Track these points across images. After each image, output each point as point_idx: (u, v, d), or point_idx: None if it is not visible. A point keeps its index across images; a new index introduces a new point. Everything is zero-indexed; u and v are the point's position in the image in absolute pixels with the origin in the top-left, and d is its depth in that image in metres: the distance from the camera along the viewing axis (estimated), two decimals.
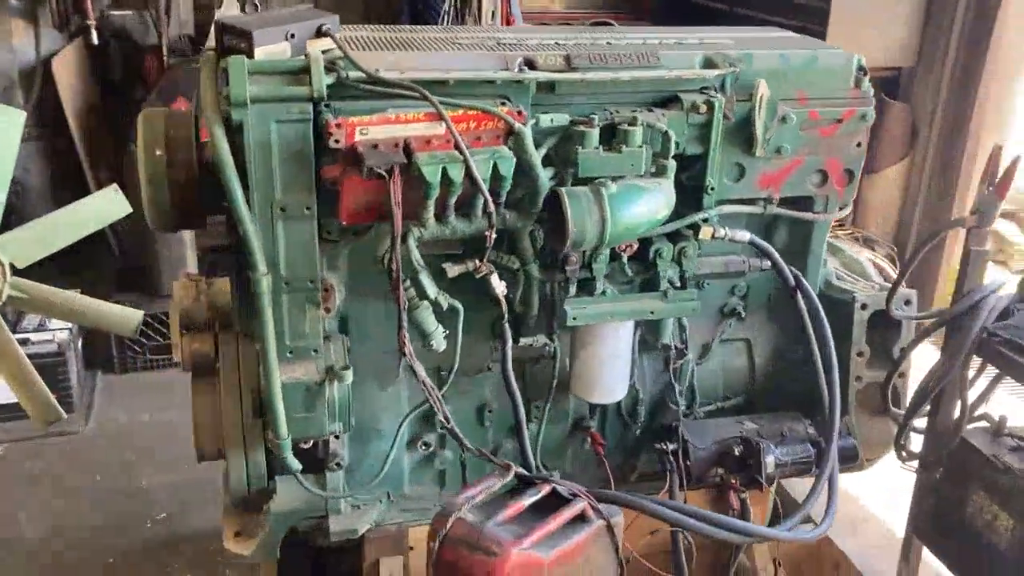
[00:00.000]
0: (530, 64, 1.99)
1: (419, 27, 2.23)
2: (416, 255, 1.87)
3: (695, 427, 2.36)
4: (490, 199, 1.82)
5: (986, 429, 2.25)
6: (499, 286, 1.92)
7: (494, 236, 1.86)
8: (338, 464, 2.17)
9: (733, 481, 2.30)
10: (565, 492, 1.80)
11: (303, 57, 1.84)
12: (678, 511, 1.92)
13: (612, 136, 1.98)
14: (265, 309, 1.87)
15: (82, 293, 3.66)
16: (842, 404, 2.37)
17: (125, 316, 3.53)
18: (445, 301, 1.92)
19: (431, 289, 1.89)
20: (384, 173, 1.76)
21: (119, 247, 4.40)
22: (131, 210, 3.50)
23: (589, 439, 2.37)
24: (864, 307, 2.37)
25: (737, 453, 2.30)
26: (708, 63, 2.12)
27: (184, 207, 2.04)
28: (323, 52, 1.86)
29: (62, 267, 3.52)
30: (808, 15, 4.35)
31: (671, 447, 2.32)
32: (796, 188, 2.27)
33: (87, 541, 3.20)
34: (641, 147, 1.96)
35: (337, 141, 1.76)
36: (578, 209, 1.83)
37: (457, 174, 1.79)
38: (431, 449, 2.30)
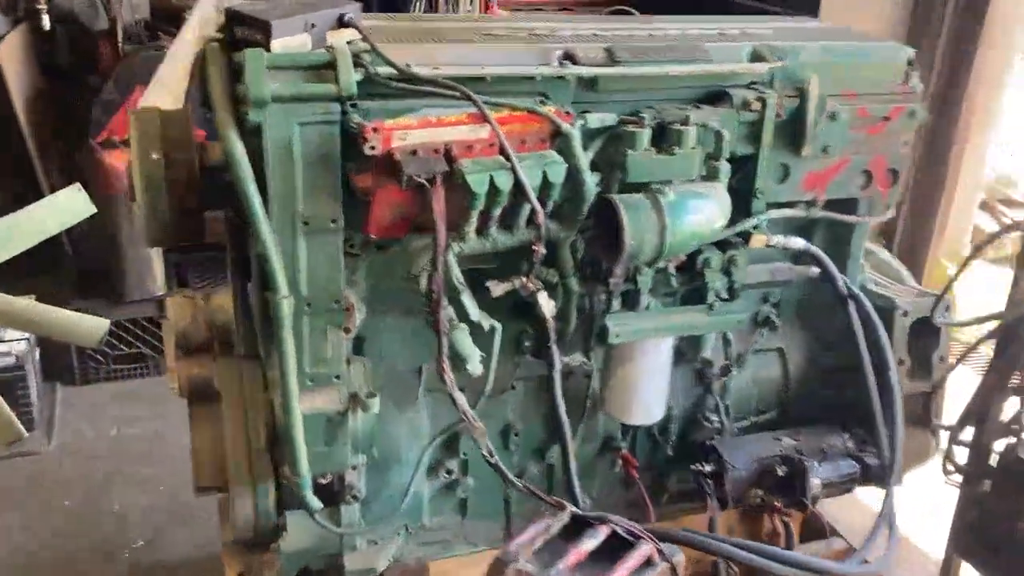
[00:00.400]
0: (570, 58, 1.81)
1: (441, 16, 2.04)
2: (457, 272, 1.68)
3: (731, 445, 2.21)
4: (540, 210, 1.64)
5: None
6: (547, 305, 1.74)
7: (543, 251, 1.68)
8: (354, 497, 1.98)
9: (776, 504, 2.16)
10: (624, 532, 1.64)
11: (325, 50, 1.63)
12: (743, 548, 1.77)
13: (661, 137, 1.81)
14: (286, 335, 1.67)
15: (37, 300, 3.39)
16: (884, 416, 2.26)
17: (90, 326, 3.27)
18: (487, 322, 1.74)
19: (473, 311, 1.70)
20: (425, 182, 1.57)
21: (74, 249, 4.09)
22: (95, 211, 3.24)
23: (620, 460, 2.21)
24: (906, 314, 2.25)
25: (780, 473, 2.16)
26: (756, 56, 1.96)
27: (185, 216, 1.82)
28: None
29: (13, 272, 3.24)
30: (798, 2, 4.23)
31: (708, 468, 2.18)
32: (840, 189, 2.13)
33: (58, 574, 2.95)
34: (695, 149, 1.80)
35: (373, 147, 1.56)
36: (635, 219, 1.66)
37: (505, 183, 1.60)
38: (453, 476, 2.11)
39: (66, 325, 3.24)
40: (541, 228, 1.65)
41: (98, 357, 3.88)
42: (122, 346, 3.89)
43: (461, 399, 1.69)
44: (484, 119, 1.61)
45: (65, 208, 3.21)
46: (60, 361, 3.87)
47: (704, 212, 1.74)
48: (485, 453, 1.71)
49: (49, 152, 4.35)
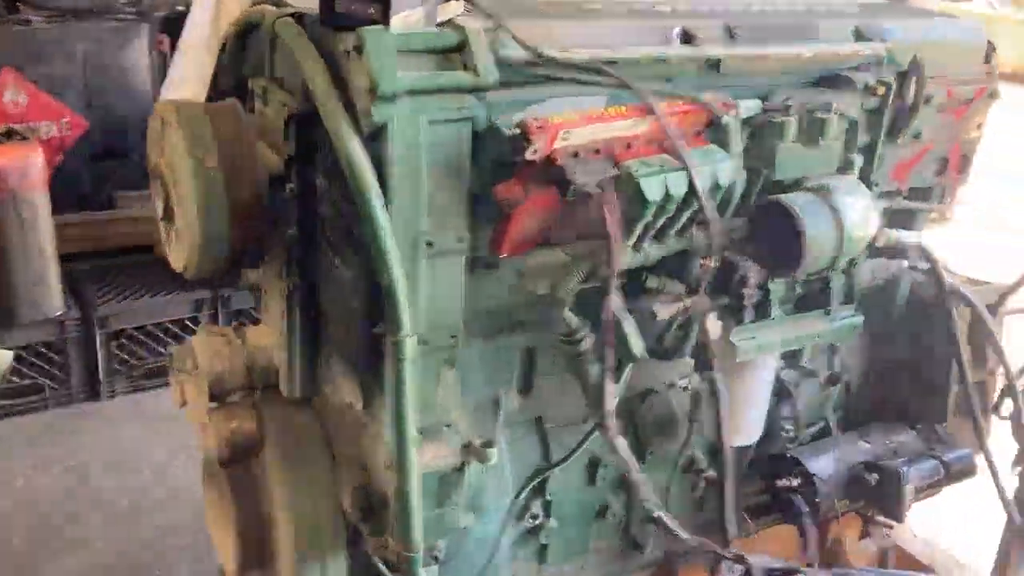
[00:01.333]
0: (689, 36, 1.57)
1: None
2: (618, 298, 1.41)
3: (811, 455, 2.06)
4: (715, 217, 1.39)
5: None
6: (716, 327, 1.49)
7: (714, 265, 1.44)
8: (435, 557, 1.68)
9: (872, 515, 2.03)
10: None
11: (441, 29, 1.31)
12: None
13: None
14: (407, 380, 1.34)
15: None
16: (939, 409, 2.18)
17: None
18: (646, 355, 1.48)
19: (638, 343, 1.43)
20: (593, 191, 1.29)
21: None
22: None
23: (702, 483, 2.00)
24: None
25: (872, 482, 2.02)
26: (859, 35, 1.78)
27: (246, 242, 1.45)
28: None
29: None
30: None
31: (796, 483, 2.01)
32: (919, 178, 2.00)
33: None
34: (837, 139, 1.61)
35: (536, 151, 1.26)
36: (815, 223, 1.44)
37: (679, 187, 1.35)
38: (538, 521, 1.84)
39: None
40: (715, 239, 1.40)
41: None
42: (14, 377, 3.29)
43: (625, 448, 1.43)
44: (648, 111, 1.35)
45: None
46: None
47: (866, 211, 1.54)
48: (652, 507, 1.45)
49: None
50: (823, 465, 2.04)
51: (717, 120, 1.44)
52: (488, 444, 1.51)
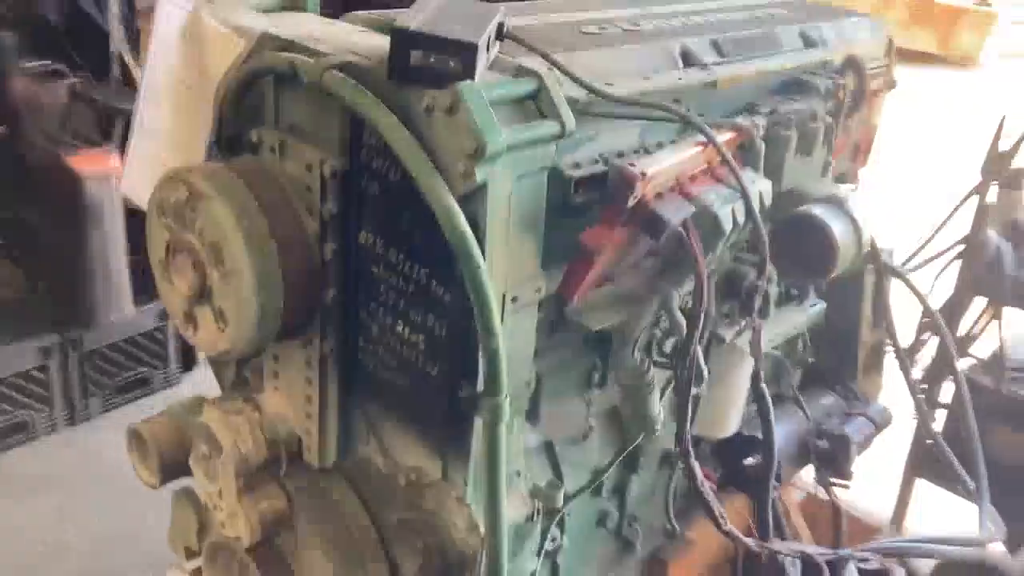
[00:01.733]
0: (689, 56, 1.60)
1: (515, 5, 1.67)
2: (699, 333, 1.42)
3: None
4: (766, 239, 1.43)
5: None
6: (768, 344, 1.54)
7: (766, 286, 1.48)
8: None
9: (832, 479, 2.20)
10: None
11: (529, 76, 1.26)
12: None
13: None
14: (502, 443, 1.29)
15: None
16: (851, 369, 2.40)
17: None
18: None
19: (706, 373, 1.45)
20: (682, 230, 1.29)
21: None
22: None
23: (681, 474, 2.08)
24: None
25: (824, 448, 2.19)
26: (807, 40, 1.89)
27: (298, 312, 1.32)
28: None
29: None
30: None
31: (758, 459, 2.14)
32: (840, 166, 2.16)
33: None
34: (824, 147, 1.70)
35: (636, 197, 1.24)
36: (842, 233, 1.53)
37: (741, 214, 1.38)
38: (557, 543, 1.83)
39: None
40: (766, 261, 1.44)
41: None
42: None
43: (703, 481, 1.45)
44: (708, 143, 1.36)
45: None
46: None
47: (864, 214, 1.65)
48: (729, 528, 1.49)
49: None
50: (778, 438, 2.18)
51: (749, 143, 1.48)
52: (554, 485, 1.50)
